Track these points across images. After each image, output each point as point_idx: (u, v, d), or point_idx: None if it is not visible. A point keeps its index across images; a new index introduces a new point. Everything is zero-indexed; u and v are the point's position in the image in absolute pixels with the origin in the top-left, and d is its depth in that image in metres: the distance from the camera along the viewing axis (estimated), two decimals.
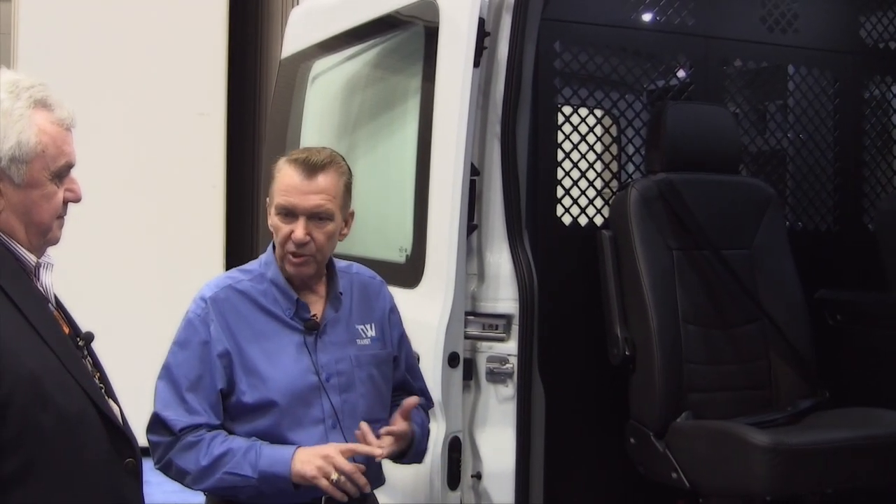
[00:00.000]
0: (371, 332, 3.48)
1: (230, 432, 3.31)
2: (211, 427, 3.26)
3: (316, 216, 3.28)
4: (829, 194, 5.24)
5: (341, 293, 3.45)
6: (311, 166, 3.28)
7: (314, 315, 3.39)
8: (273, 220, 3.32)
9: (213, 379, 3.26)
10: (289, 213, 3.28)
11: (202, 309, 3.32)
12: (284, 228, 3.29)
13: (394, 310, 3.60)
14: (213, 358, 3.27)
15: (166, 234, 8.13)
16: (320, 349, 3.36)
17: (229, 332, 3.30)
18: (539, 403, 3.93)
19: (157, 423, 3.27)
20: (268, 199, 3.40)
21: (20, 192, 2.47)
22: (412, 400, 3.38)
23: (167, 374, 3.31)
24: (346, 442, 3.28)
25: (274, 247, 3.41)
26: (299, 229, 3.26)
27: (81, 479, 2.45)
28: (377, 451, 3.21)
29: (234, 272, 3.47)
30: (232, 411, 3.31)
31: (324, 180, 3.28)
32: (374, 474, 3.43)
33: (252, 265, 3.47)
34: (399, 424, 3.31)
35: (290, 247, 3.29)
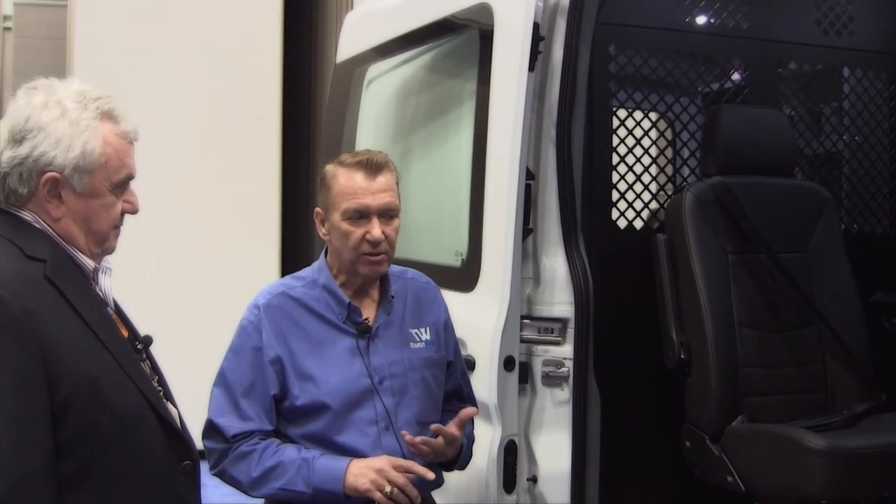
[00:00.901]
0: (425, 336, 3.50)
1: (285, 435, 3.35)
2: (263, 433, 3.30)
3: (386, 213, 3.32)
4: (885, 197, 5.21)
5: (393, 296, 3.47)
6: (374, 166, 3.32)
7: (366, 319, 3.41)
8: (342, 226, 3.32)
9: (265, 385, 3.29)
10: (361, 216, 3.30)
11: (255, 316, 3.36)
12: (357, 231, 3.30)
13: (449, 315, 3.62)
14: (265, 364, 3.30)
15: (222, 238, 8.17)
16: (373, 352, 3.38)
17: (282, 338, 3.32)
18: (594, 407, 3.94)
19: (211, 430, 3.33)
20: (319, 210, 3.42)
21: (81, 200, 2.52)
22: (471, 410, 3.38)
23: (222, 380, 3.36)
24: (399, 444, 3.31)
25: (326, 253, 3.46)
26: (376, 228, 3.29)
27: (139, 481, 2.49)
28: (430, 475, 3.23)
29: (287, 279, 3.50)
30: (286, 415, 3.34)
31: (385, 178, 3.34)
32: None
33: (305, 272, 3.50)
34: (451, 429, 3.29)
35: (366, 247, 3.31)
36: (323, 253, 3.48)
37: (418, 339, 3.48)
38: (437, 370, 3.52)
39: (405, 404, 3.38)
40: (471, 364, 3.87)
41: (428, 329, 3.52)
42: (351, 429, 3.31)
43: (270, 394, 3.30)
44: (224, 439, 3.29)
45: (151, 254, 7.59)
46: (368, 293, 3.46)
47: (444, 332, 3.57)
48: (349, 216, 3.30)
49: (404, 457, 3.29)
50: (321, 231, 3.42)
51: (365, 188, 3.29)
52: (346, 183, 3.31)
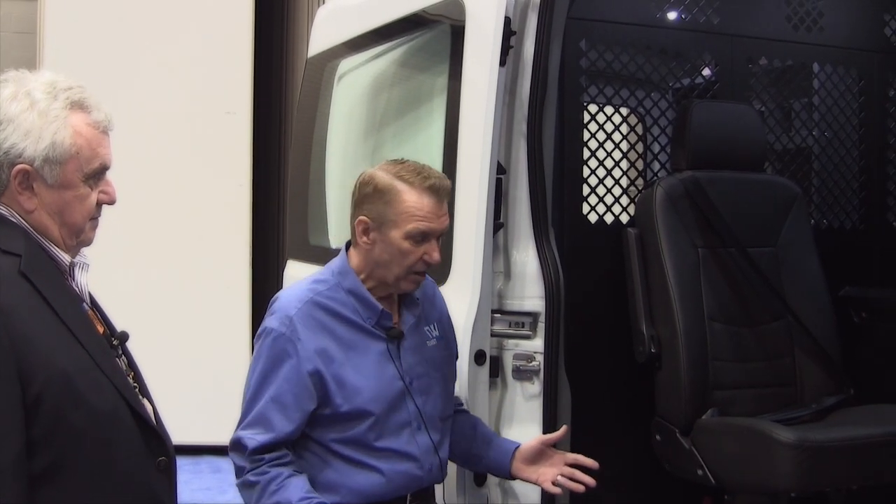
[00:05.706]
0: (435, 333, 3.56)
1: (322, 442, 3.33)
2: (284, 443, 3.27)
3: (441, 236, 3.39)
4: (854, 192, 5.24)
5: (418, 298, 3.52)
6: (442, 192, 3.35)
7: (395, 323, 3.44)
8: (402, 245, 3.31)
9: (300, 399, 3.25)
10: (425, 238, 3.32)
11: (287, 327, 3.29)
12: (418, 251, 3.32)
13: (447, 310, 3.69)
14: (303, 377, 3.25)
15: (193, 233, 8.13)
16: (402, 354, 3.42)
17: (318, 349, 3.28)
18: (565, 401, 3.94)
19: (234, 443, 3.30)
20: (367, 219, 3.35)
21: (53, 192, 2.49)
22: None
23: (253, 391, 3.31)
24: (431, 441, 3.41)
25: (347, 253, 3.44)
26: (436, 251, 3.34)
27: (113, 477, 2.47)
28: None
29: (310, 283, 3.43)
30: (326, 422, 3.31)
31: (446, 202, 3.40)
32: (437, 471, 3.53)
33: (324, 275, 3.45)
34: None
35: (421, 266, 3.35)
36: (343, 255, 3.46)
37: (431, 337, 3.54)
38: (450, 366, 3.62)
39: (431, 402, 3.45)
40: None
41: (435, 325, 3.58)
42: (389, 432, 3.35)
43: (307, 409, 3.27)
44: (243, 455, 3.25)
45: (120, 248, 7.51)
46: (391, 295, 3.47)
47: (448, 326, 3.64)
48: (413, 237, 3.31)
49: (435, 450, 3.42)
50: (362, 239, 3.37)
51: (434, 213, 3.31)
52: (415, 204, 3.30)
